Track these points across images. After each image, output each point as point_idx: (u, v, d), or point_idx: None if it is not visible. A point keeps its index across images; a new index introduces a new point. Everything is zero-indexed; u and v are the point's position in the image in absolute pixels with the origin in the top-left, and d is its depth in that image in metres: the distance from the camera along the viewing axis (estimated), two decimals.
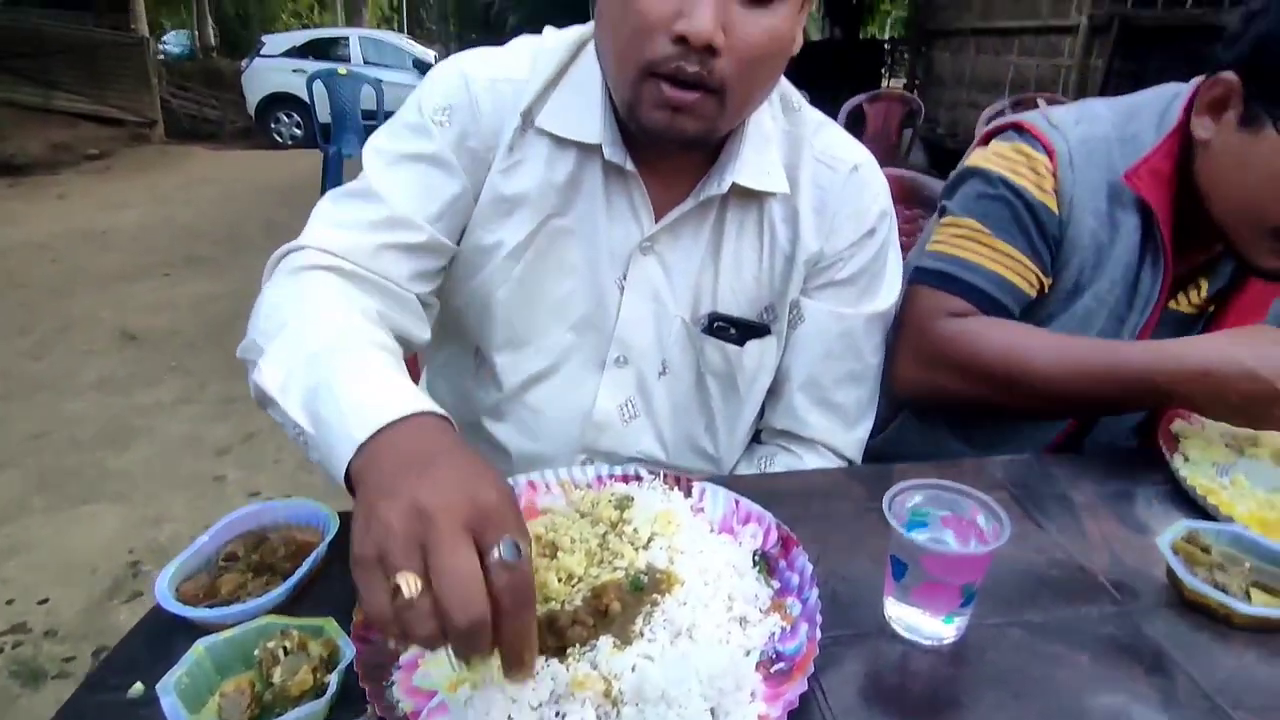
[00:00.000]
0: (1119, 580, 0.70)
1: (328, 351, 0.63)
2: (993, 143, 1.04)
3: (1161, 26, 6.33)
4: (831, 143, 0.90)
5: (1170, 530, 0.70)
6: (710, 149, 0.84)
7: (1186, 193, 0.92)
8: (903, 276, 0.99)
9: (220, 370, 3.33)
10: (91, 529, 2.30)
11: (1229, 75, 0.85)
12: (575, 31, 0.87)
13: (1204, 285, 1.01)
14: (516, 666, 0.48)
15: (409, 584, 0.44)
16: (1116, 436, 1.07)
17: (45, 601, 2.01)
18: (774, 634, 0.61)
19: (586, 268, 0.88)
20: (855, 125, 4.87)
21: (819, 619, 0.59)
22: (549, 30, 0.90)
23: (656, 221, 0.86)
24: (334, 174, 5.75)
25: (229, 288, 4.31)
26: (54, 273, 4.70)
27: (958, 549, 0.60)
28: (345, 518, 0.70)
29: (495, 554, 0.45)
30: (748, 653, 0.58)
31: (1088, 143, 0.95)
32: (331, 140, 5.80)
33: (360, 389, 0.58)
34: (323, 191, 6.20)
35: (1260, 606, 0.64)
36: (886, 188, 0.93)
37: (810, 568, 0.64)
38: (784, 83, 0.89)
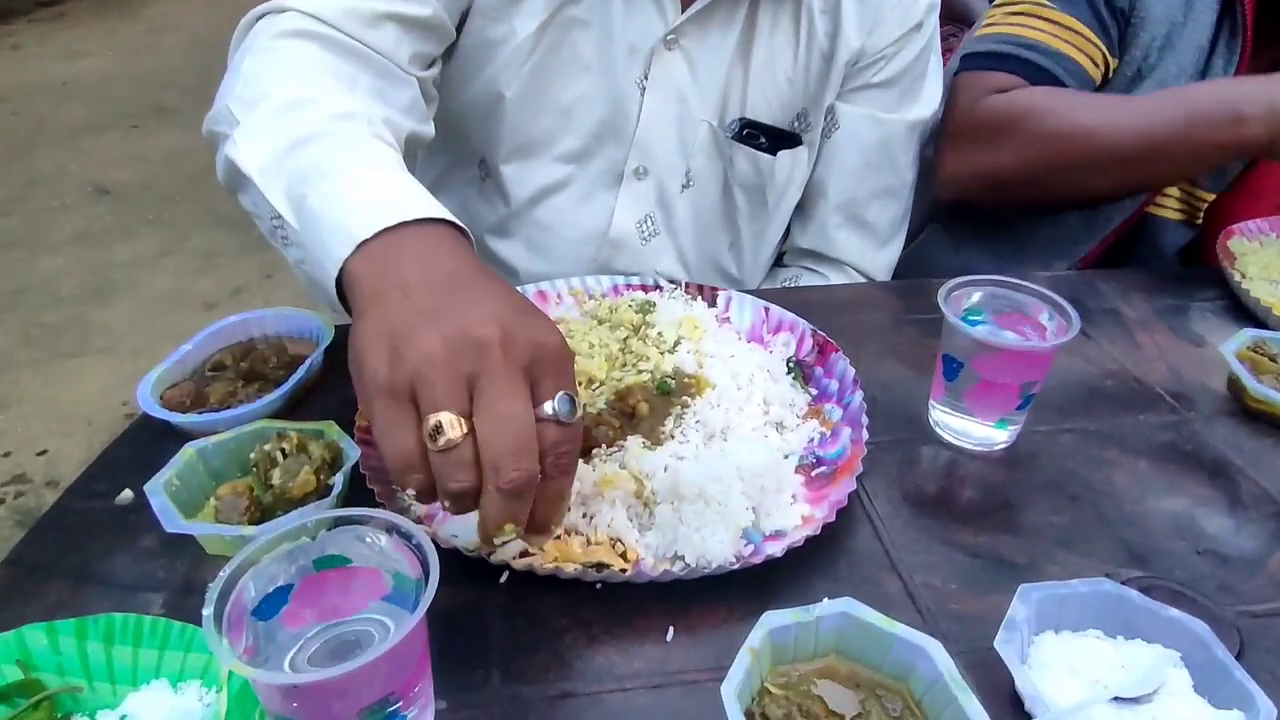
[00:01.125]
0: (1176, 390, 0.65)
1: (321, 134, 0.53)
2: None
3: None
4: None
5: (1235, 339, 0.65)
6: None
7: None
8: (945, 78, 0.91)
9: (201, 223, 3.20)
10: (82, 382, 2.26)
11: None
12: None
13: None
14: (541, 532, 0.41)
15: (453, 425, 0.36)
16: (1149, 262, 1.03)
17: (44, 453, 1.99)
18: (813, 439, 0.56)
19: (602, 65, 0.77)
20: None
21: (865, 420, 0.55)
22: None
23: (683, 10, 0.75)
24: None
25: (201, 141, 3.98)
26: (15, 126, 4.44)
27: (1022, 343, 0.55)
28: (341, 330, 0.64)
29: (549, 408, 0.38)
30: (785, 456, 0.54)
31: None
32: None
33: (363, 179, 0.48)
34: None
35: None
36: None
37: (852, 371, 0.59)
38: None
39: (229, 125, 0.56)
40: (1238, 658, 0.40)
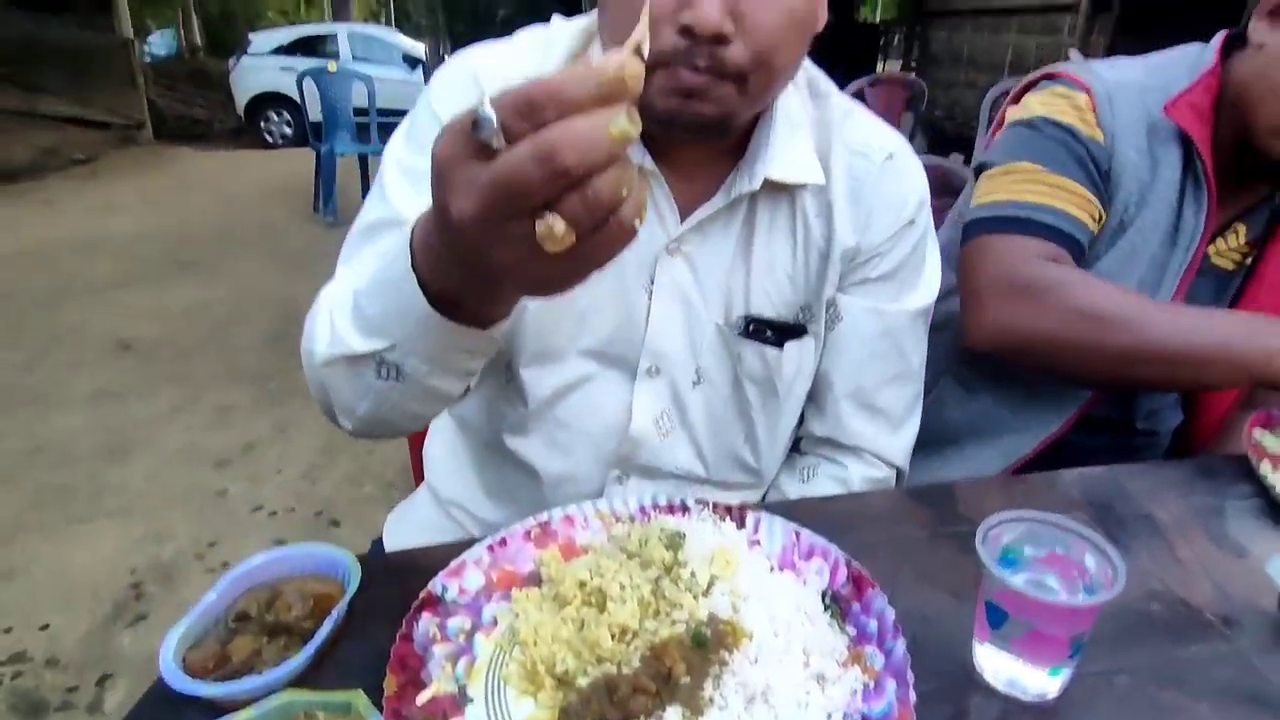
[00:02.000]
0: (1226, 614, 0.63)
1: (352, 288, 0.64)
2: (1027, 96, 1.03)
3: (1163, 6, 6.23)
4: (863, 130, 0.84)
5: (1277, 555, 0.63)
6: (734, 139, 0.77)
7: (1224, 129, 0.94)
8: (955, 266, 0.97)
9: (217, 378, 3.26)
10: (91, 548, 2.23)
11: None
12: (584, 20, 0.81)
13: (1241, 231, 1.01)
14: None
15: (558, 223, 0.38)
16: (1157, 410, 1.06)
17: (46, 628, 1.94)
18: (856, 691, 0.54)
19: (613, 273, 0.80)
20: None
21: (910, 676, 0.53)
22: (556, 20, 0.83)
23: (682, 221, 0.79)
24: (328, 172, 5.68)
25: (223, 293, 4.23)
26: (43, 282, 4.60)
27: (1068, 600, 0.53)
28: (366, 565, 0.63)
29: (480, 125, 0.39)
30: (829, 716, 0.52)
31: (1123, 85, 0.96)
32: (324, 138, 5.71)
33: (382, 266, 0.59)
34: (316, 191, 6.14)
35: None
36: (923, 173, 0.87)
37: (891, 612, 0.58)
38: (811, 67, 0.83)
39: (311, 359, 0.68)
40: None
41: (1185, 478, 0.81)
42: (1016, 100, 1.06)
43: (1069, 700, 0.55)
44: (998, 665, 0.56)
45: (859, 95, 4.81)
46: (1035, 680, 0.54)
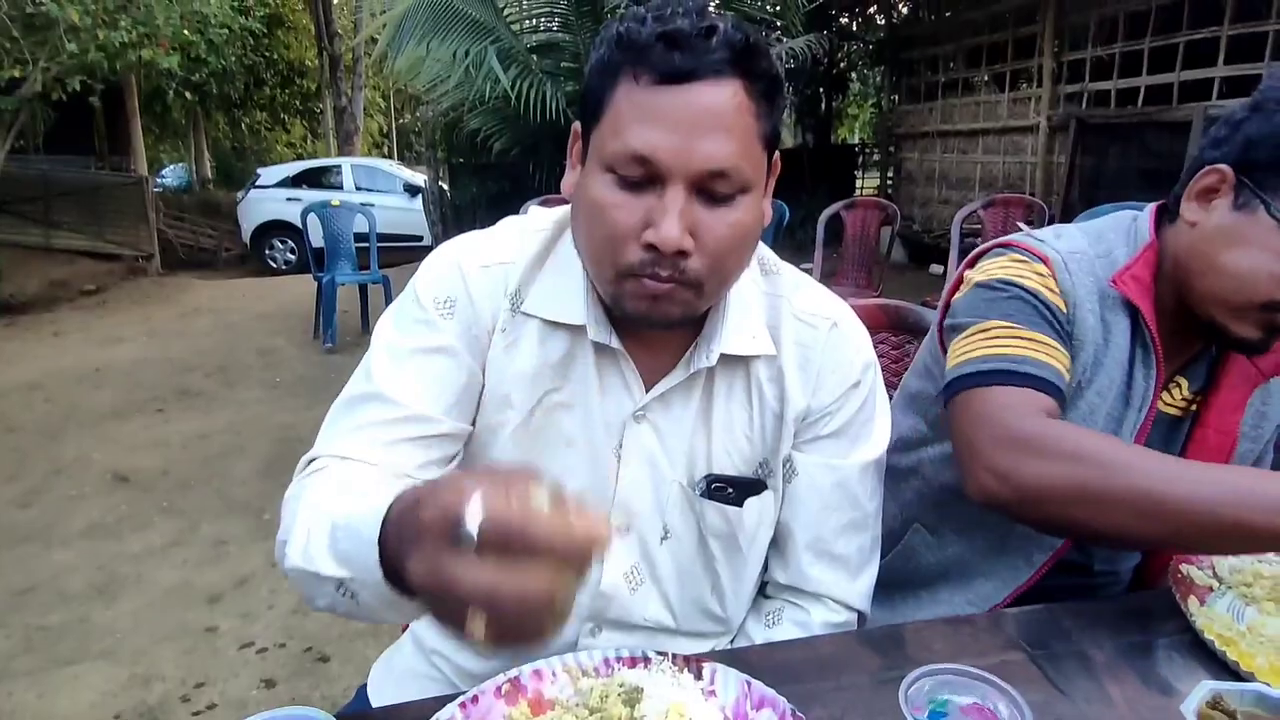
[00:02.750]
0: None
1: (333, 507, 0.69)
2: (981, 262, 1.07)
3: (1116, 123, 6.67)
4: (810, 301, 0.93)
5: (1193, 695, 0.68)
6: (695, 321, 0.86)
7: (1164, 296, 1.00)
8: (922, 414, 1.03)
9: (212, 509, 3.29)
10: (77, 692, 2.21)
11: (1222, 167, 0.93)
12: (558, 213, 0.91)
13: (1184, 384, 1.07)
14: (591, 545, 0.49)
15: (476, 627, 0.47)
16: (1117, 554, 1.09)
17: None
18: None
19: (584, 439, 0.89)
20: (835, 231, 5.02)
21: None
22: (533, 210, 0.94)
23: (647, 391, 0.88)
24: (328, 300, 5.87)
25: (221, 423, 4.31)
26: (46, 414, 4.69)
27: None
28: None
29: (461, 540, 0.48)
30: None
31: (1074, 253, 1.01)
32: (325, 267, 5.96)
33: (364, 509, 0.63)
34: (316, 318, 6.31)
35: None
36: (867, 338, 0.95)
37: None
38: (761, 247, 0.92)
39: (282, 549, 0.73)
40: None
41: (1118, 616, 0.86)
42: (971, 264, 1.10)
43: None
44: None
45: (836, 217, 5.07)
46: None
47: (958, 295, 1.09)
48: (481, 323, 0.86)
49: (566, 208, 0.90)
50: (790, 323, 0.91)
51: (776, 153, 0.81)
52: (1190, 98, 5.98)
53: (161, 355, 6.08)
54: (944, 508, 1.14)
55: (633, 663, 0.75)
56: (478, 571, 0.47)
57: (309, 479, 0.77)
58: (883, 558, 1.01)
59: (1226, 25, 5.73)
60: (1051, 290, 0.99)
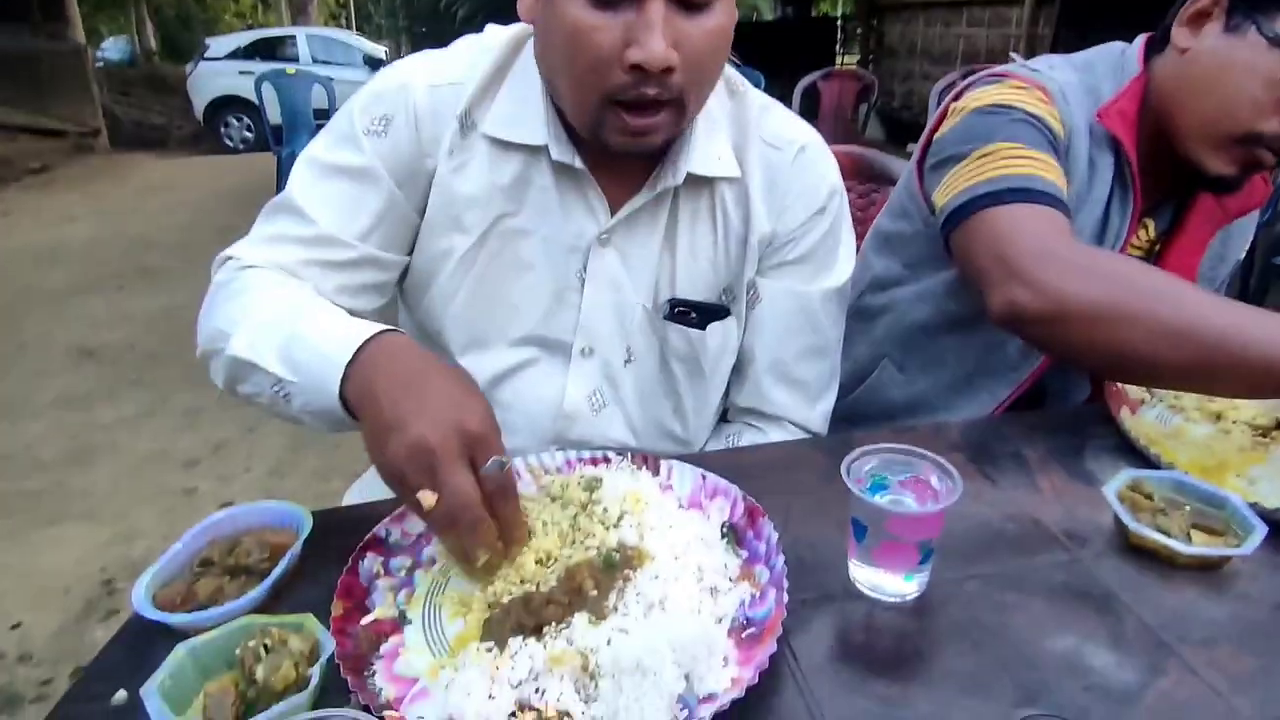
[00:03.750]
0: (1070, 530, 0.73)
1: (290, 314, 0.74)
2: (971, 91, 1.03)
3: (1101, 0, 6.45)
4: (777, 124, 0.91)
5: (1115, 479, 0.74)
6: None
7: (1147, 135, 0.99)
8: (896, 254, 1.03)
9: (183, 382, 3.28)
10: (60, 550, 2.27)
11: None
12: (514, 30, 0.87)
13: (1151, 226, 1.09)
14: (515, 541, 0.64)
15: (425, 499, 0.59)
16: (1072, 387, 1.13)
17: (17, 626, 1.98)
18: (744, 601, 0.63)
19: (545, 263, 0.89)
20: (811, 103, 4.90)
21: (785, 584, 0.62)
22: (490, 28, 0.90)
23: (612, 214, 0.87)
24: (287, 175, 5.66)
25: (186, 298, 4.23)
26: (1, 293, 4.57)
27: (910, 509, 0.63)
28: (317, 516, 0.71)
29: (484, 470, 0.61)
30: (719, 620, 0.60)
31: (1067, 85, 1.00)
32: (284, 142, 5.71)
33: (329, 328, 0.71)
34: (277, 193, 6.16)
35: (1200, 546, 0.67)
36: (835, 165, 0.94)
37: (775, 535, 0.66)
38: (728, 68, 0.89)
39: (223, 340, 0.75)
40: None
41: (1055, 423, 0.91)
42: (958, 97, 1.05)
43: (924, 601, 0.64)
44: (863, 574, 0.65)
45: (813, 88, 4.93)
46: (894, 584, 0.64)
47: (944, 128, 1.04)
48: (423, 143, 0.84)
49: (521, 25, 0.86)
50: (757, 145, 0.90)
51: None
52: None
53: (118, 233, 5.89)
54: (914, 345, 1.17)
55: (594, 462, 0.79)
56: (473, 482, 0.60)
57: (244, 274, 0.80)
58: (850, 392, 1.04)
59: None
60: (1054, 117, 0.97)
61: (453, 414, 0.61)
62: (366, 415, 0.65)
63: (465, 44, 0.89)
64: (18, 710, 1.74)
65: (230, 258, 0.84)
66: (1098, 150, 1.00)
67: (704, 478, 0.75)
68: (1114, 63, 1.03)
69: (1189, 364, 0.76)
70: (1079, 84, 1.01)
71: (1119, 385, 0.94)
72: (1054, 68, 1.03)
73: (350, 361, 0.67)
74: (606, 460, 0.78)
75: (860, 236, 1.26)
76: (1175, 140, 0.96)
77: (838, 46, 11.48)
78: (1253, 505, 0.70)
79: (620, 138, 0.76)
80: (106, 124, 9.98)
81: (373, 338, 0.68)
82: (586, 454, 0.80)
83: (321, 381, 0.68)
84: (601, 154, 0.84)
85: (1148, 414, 0.92)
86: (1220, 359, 0.75)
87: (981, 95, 1.00)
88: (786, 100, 5.08)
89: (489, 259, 0.88)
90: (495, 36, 0.88)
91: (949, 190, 0.96)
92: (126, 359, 3.58)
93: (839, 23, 12.13)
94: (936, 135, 1.06)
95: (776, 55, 8.97)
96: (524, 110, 0.84)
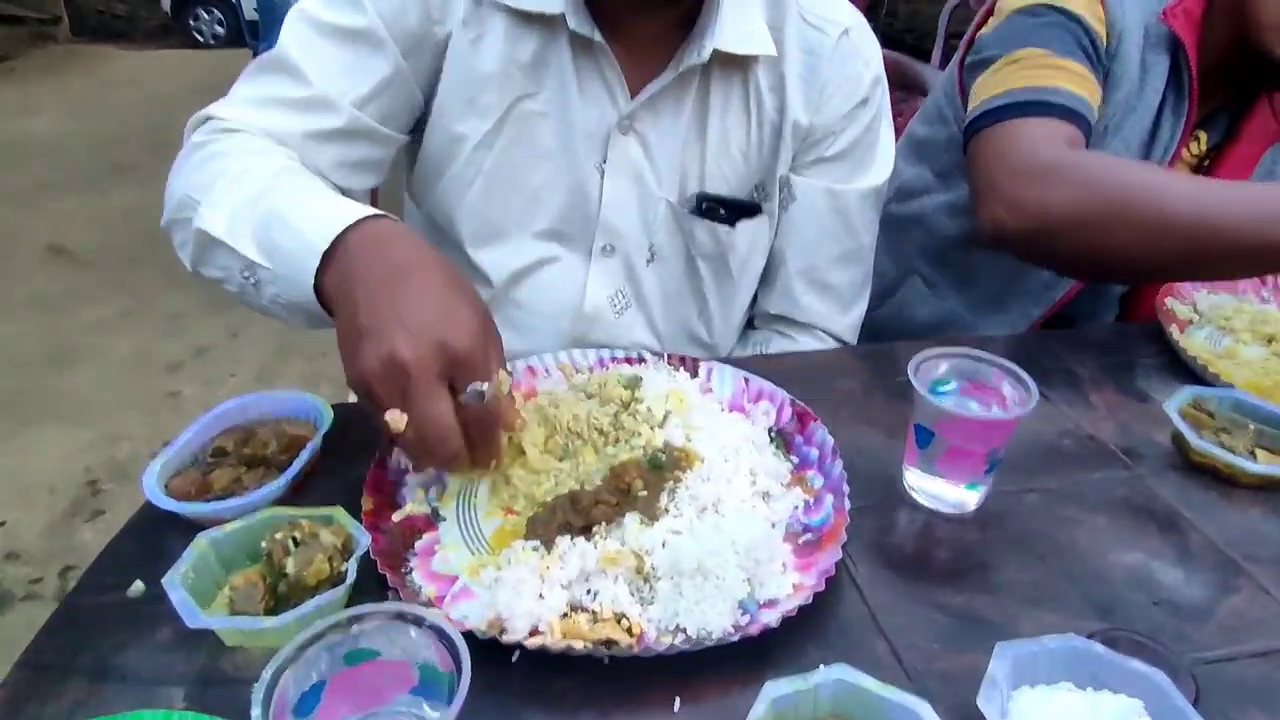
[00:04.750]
0: (1127, 446, 0.70)
1: (269, 188, 0.65)
2: None
3: None
4: (820, 3, 0.83)
5: (1176, 397, 0.70)
6: (684, 11, 0.77)
7: (1210, 38, 0.94)
8: (929, 162, 1.03)
9: (164, 285, 3.16)
10: (44, 450, 2.21)
11: None
12: None
13: (1203, 138, 1.04)
14: (486, 468, 0.58)
15: (395, 421, 0.51)
16: (1101, 310, 1.10)
17: (3, 524, 1.94)
18: (797, 507, 0.60)
19: (562, 152, 0.82)
20: None
21: (846, 489, 0.58)
22: None
23: (633, 97, 0.80)
24: (279, 34, 5.40)
25: (162, 197, 4.06)
26: None
27: (986, 413, 0.59)
28: (338, 410, 0.66)
29: (463, 398, 0.53)
30: (774, 525, 0.57)
31: None
32: (260, 37, 5.40)
33: (309, 208, 0.61)
34: None
35: (1266, 465, 0.65)
36: (879, 52, 0.87)
37: (831, 440, 0.63)
38: None
39: (191, 208, 0.67)
40: (1195, 704, 0.44)
41: (1103, 340, 0.88)
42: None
43: (984, 513, 0.62)
44: (923, 483, 0.62)
45: None
46: (955, 494, 0.61)
47: (986, 27, 1.00)
48: (432, 12, 0.76)
49: None
50: (796, 25, 0.82)
51: None
52: None
53: (86, 129, 5.62)
54: (944, 259, 1.13)
55: (629, 361, 0.74)
56: (450, 411, 0.52)
57: (225, 137, 0.71)
58: (876, 309, 1.00)
59: None
60: (1098, 18, 0.92)
61: (436, 326, 0.52)
62: (341, 313, 0.56)
63: None
64: (9, 607, 1.72)
65: (210, 118, 0.75)
66: (1153, 52, 0.95)
67: (747, 380, 0.71)
68: None
69: (1168, 259, 0.80)
70: None
71: (1167, 304, 0.91)
72: None
73: (330, 249, 0.57)
74: (642, 360, 0.74)
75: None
76: (1254, 34, 0.90)
77: None
78: None
79: None
80: (68, 12, 9.41)
81: (359, 222, 0.58)
82: (620, 353, 0.75)
83: (296, 270, 0.59)
84: (623, 28, 0.77)
85: (1197, 334, 0.89)
86: (1196, 249, 0.77)
87: None
88: None
89: (506, 145, 0.81)
90: None
91: (973, 100, 0.95)
92: (104, 260, 3.45)
93: None
94: (980, 33, 1.01)
95: None
96: None
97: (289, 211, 0.61)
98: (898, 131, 1.30)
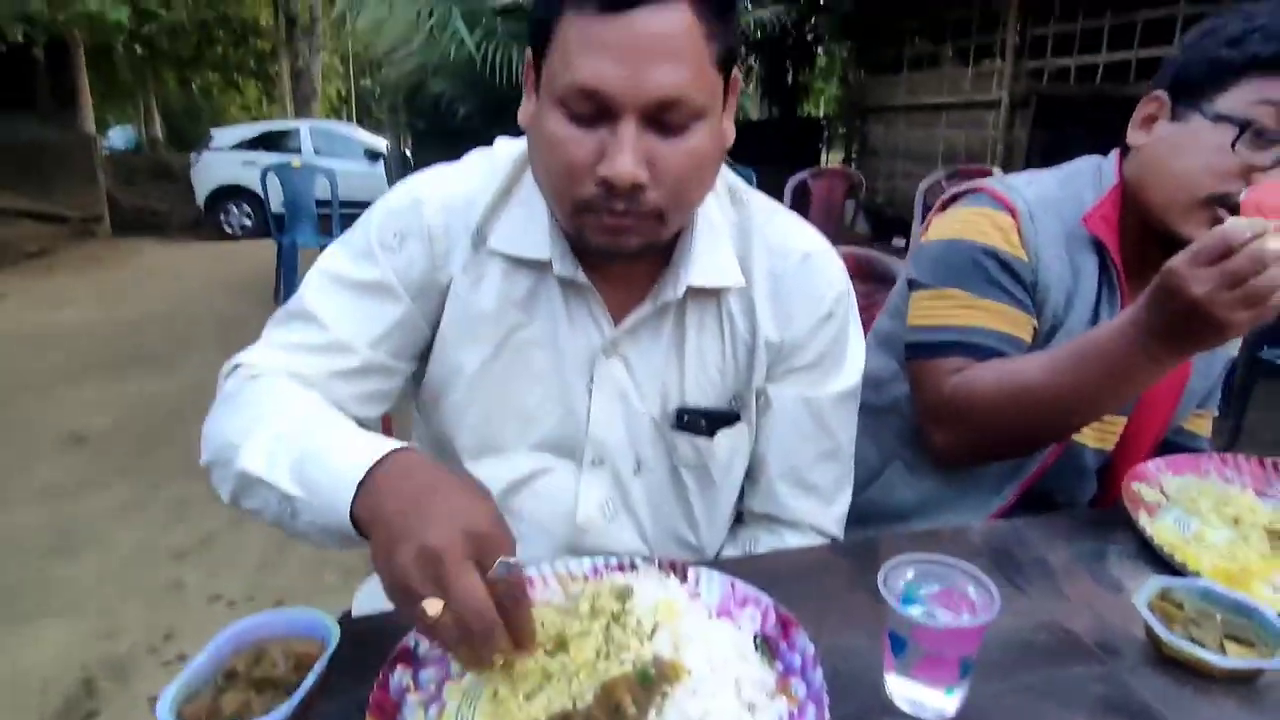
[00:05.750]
0: (1102, 640, 0.73)
1: (302, 430, 0.73)
2: (951, 209, 1.13)
3: (1075, 99, 6.80)
4: (783, 231, 0.92)
5: (1145, 589, 0.74)
6: (662, 250, 0.85)
7: (1131, 233, 1.06)
8: (896, 354, 1.11)
9: (174, 470, 3.23)
10: (38, 646, 2.18)
11: (1159, 93, 1.02)
12: (521, 145, 0.89)
13: None
14: (524, 647, 0.61)
15: (433, 607, 0.56)
16: (1077, 485, 1.15)
17: None
18: (782, 717, 0.62)
19: (554, 375, 0.90)
20: (801, 199, 5.07)
21: (826, 699, 0.61)
22: (500, 142, 0.92)
23: (616, 325, 0.88)
24: (289, 264, 5.76)
25: (181, 384, 4.22)
26: None
27: (950, 622, 0.63)
28: (345, 625, 0.70)
29: (492, 575, 0.58)
30: None
31: (1042, 199, 1.07)
32: (286, 231, 5.83)
33: (342, 446, 0.69)
34: (277, 282, 6.19)
35: (1235, 659, 0.67)
36: (842, 270, 0.95)
37: (812, 648, 0.66)
38: (730, 175, 0.93)
39: (232, 451, 0.74)
40: None
41: (1075, 527, 0.92)
42: (944, 208, 1.16)
43: (965, 716, 0.63)
44: (903, 690, 0.64)
45: (803, 185, 5.11)
46: (934, 700, 0.63)
47: (927, 236, 1.14)
48: (437, 258, 0.86)
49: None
50: (762, 253, 0.91)
51: (735, 70, 0.80)
52: (1147, 76, 6.12)
53: (112, 319, 5.91)
54: (921, 444, 1.19)
55: (620, 568, 0.78)
56: (482, 586, 0.57)
57: (255, 383, 0.80)
58: (861, 491, 1.05)
59: (1184, 4, 5.88)
60: (1013, 245, 1.05)
61: (459, 519, 0.59)
62: (375, 532, 0.63)
63: (475, 159, 0.91)
64: None
65: (239, 365, 0.84)
66: (1081, 255, 1.06)
67: (733, 585, 0.75)
68: (1092, 173, 1.11)
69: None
70: (1058, 196, 1.08)
71: (1134, 489, 0.95)
72: (1032, 183, 1.10)
73: (362, 480, 0.65)
74: (634, 566, 0.78)
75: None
76: (1152, 219, 1.02)
77: (822, 145, 11.95)
78: None
79: (599, 237, 0.77)
80: (109, 210, 10.15)
81: (385, 456, 0.66)
82: (614, 560, 0.79)
83: (333, 499, 0.66)
84: (604, 267, 0.86)
85: (1166, 517, 0.93)
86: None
87: (950, 219, 1.11)
88: (778, 196, 5.28)
89: (503, 370, 0.89)
90: (505, 152, 0.90)
91: (910, 317, 1.11)
92: (117, 446, 3.54)
93: (823, 123, 12.67)
94: (922, 241, 1.14)
95: (765, 153, 9.32)
96: (531, 225, 0.86)
97: (322, 450, 0.69)
98: (871, 322, 1.41)
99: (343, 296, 0.85)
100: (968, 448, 1.05)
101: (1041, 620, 0.75)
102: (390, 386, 0.89)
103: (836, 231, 5.18)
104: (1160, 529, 0.89)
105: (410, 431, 1.05)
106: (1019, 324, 1.05)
